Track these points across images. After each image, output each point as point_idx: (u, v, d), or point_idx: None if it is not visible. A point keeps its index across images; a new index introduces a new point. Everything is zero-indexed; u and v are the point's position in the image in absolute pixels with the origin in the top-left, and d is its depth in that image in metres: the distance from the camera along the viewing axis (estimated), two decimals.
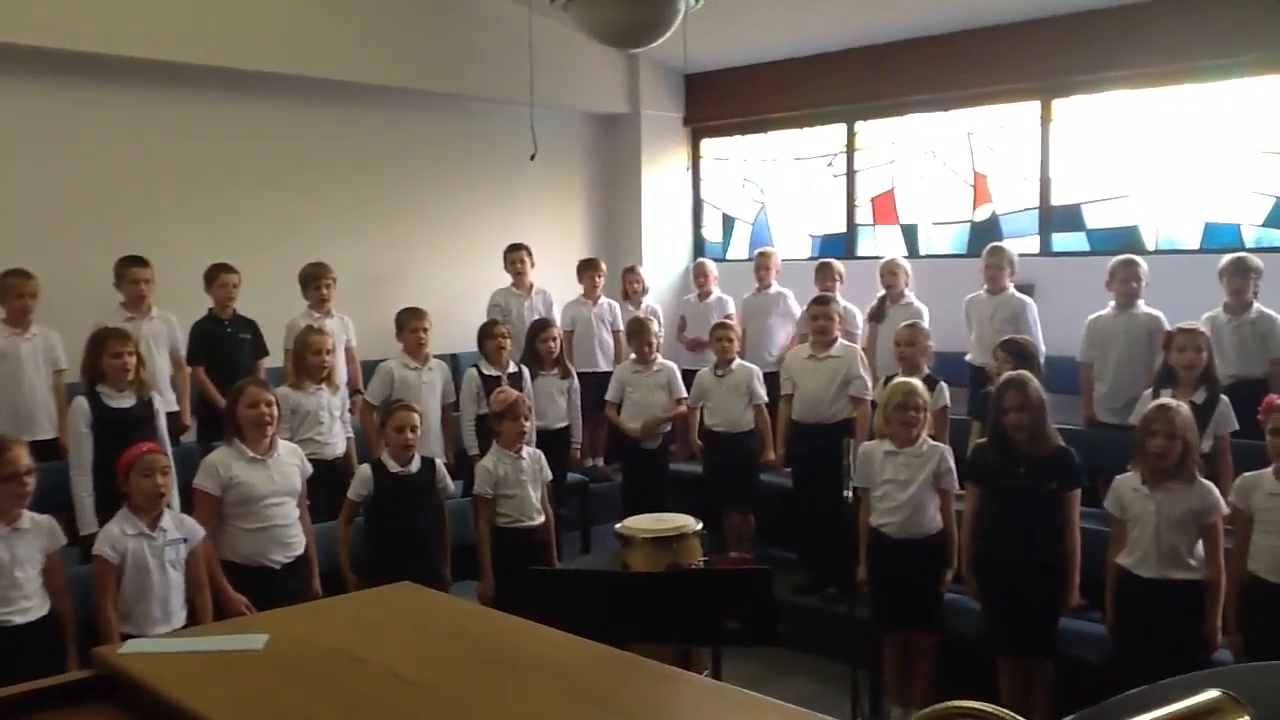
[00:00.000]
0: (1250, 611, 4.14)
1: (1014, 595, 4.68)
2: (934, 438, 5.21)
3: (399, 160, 8.27)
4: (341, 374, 6.58)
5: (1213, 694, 1.15)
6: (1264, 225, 6.93)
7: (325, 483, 5.51)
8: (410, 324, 6.57)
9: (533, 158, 6.76)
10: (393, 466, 5.31)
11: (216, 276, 6.48)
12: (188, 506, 4.89)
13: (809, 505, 6.30)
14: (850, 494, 4.56)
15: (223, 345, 6.44)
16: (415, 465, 5.36)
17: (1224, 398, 5.31)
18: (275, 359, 6.71)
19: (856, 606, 4.87)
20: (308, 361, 5.89)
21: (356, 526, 5.36)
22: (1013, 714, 1.11)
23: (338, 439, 5.99)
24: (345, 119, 7.96)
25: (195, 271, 6.53)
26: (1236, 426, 5.22)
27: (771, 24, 8.19)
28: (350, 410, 6.33)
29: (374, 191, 8.13)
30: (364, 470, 5.38)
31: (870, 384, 6.39)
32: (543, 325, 7.15)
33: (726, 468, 6.76)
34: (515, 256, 7.85)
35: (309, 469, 5.18)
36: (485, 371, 6.66)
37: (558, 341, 7.13)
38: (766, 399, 6.82)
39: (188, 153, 7.19)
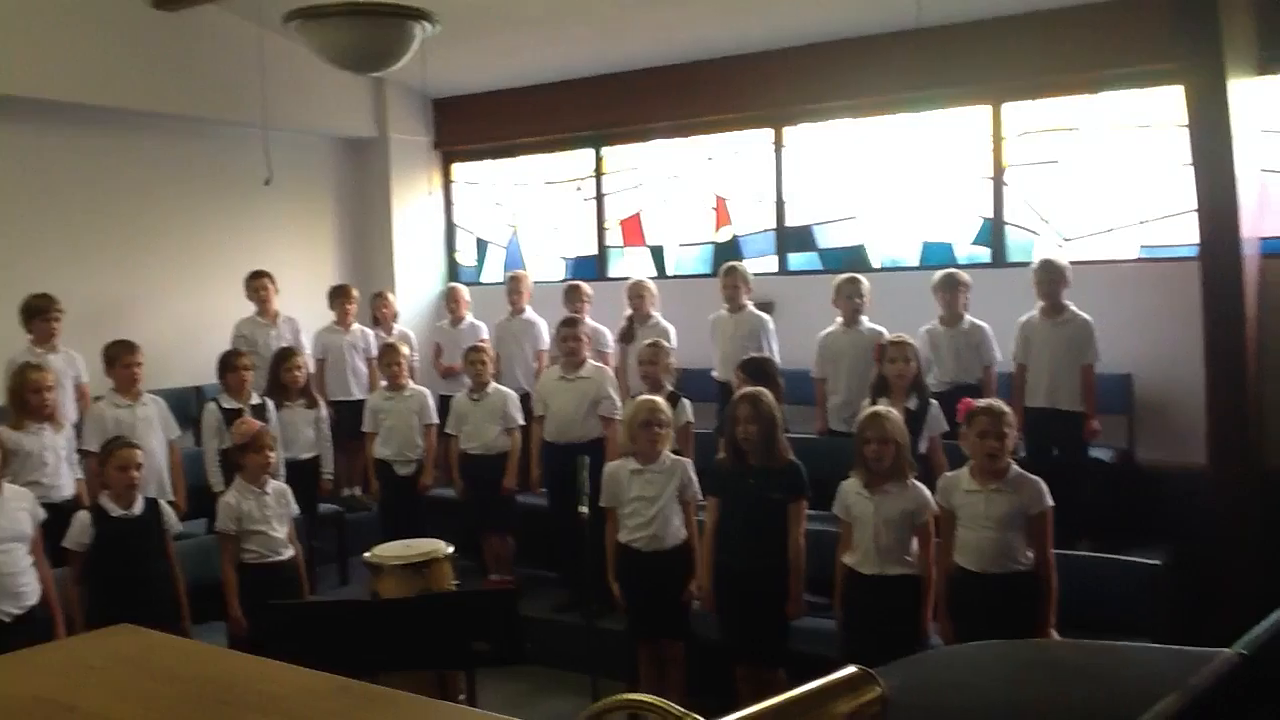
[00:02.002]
0: (957, 599, 4.47)
1: (745, 604, 4.89)
2: (678, 453, 5.39)
3: (133, 185, 7.87)
4: (70, 413, 6.22)
5: (850, 669, 1.27)
6: (974, 243, 7.54)
7: (54, 528, 5.18)
8: (121, 358, 6.23)
9: (267, 182, 6.61)
10: (114, 510, 5.06)
11: None
12: None
13: (563, 524, 6.38)
14: (585, 510, 4.66)
15: None
16: (139, 507, 5.12)
17: (934, 402, 5.76)
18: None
19: (604, 620, 4.98)
20: (28, 401, 5.57)
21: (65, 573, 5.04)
22: (669, 703, 1.20)
23: (65, 481, 5.68)
24: (72, 141, 7.49)
25: None
26: (947, 428, 5.65)
27: (514, 51, 8.30)
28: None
29: (106, 218, 7.70)
30: (82, 517, 5.08)
31: (619, 404, 6.54)
32: (287, 354, 6.98)
33: (485, 491, 6.77)
34: (258, 284, 7.62)
35: (41, 513, 4.89)
36: (226, 405, 6.44)
37: (303, 370, 6.98)
38: (522, 422, 6.89)
39: None
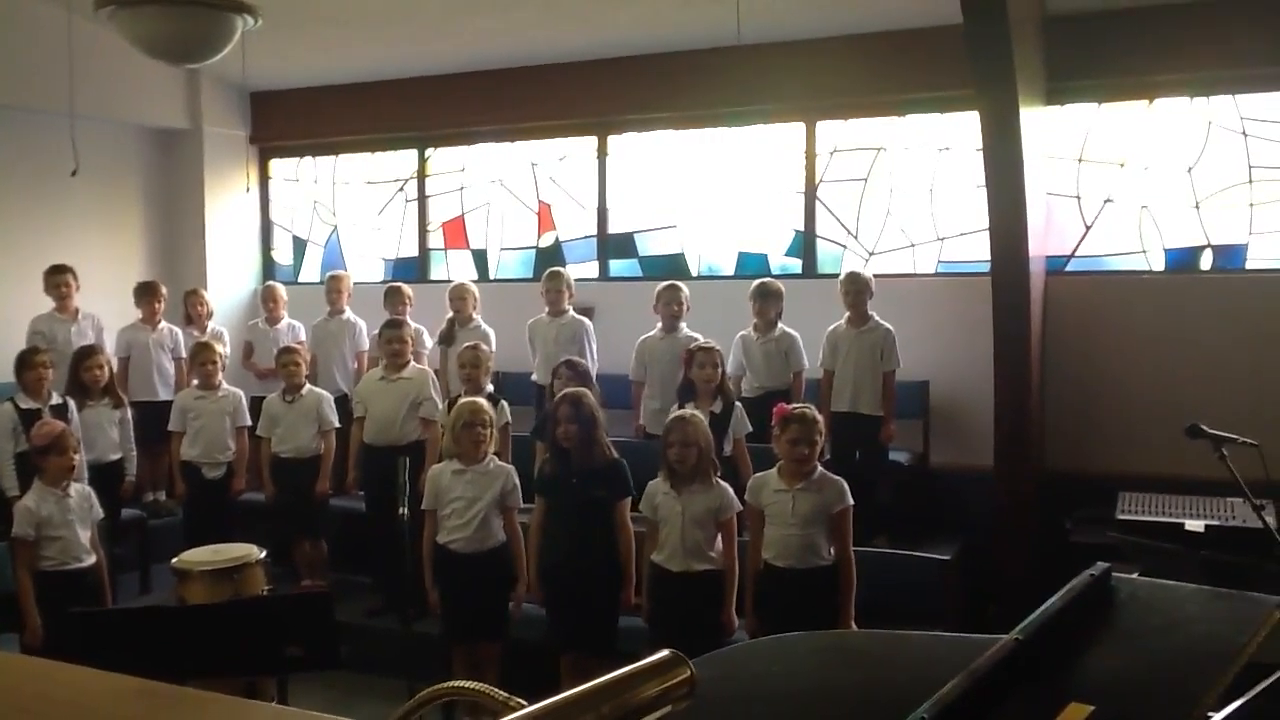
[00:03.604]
0: (763, 594, 4.68)
1: (575, 598, 4.99)
2: (498, 454, 5.44)
3: None
4: None
5: (663, 653, 1.35)
6: (787, 254, 7.84)
7: None
8: None
9: (74, 173, 6.31)
10: None
11: None
12: None
13: (380, 527, 6.32)
14: (405, 512, 4.67)
15: None
16: None
17: (738, 404, 6.01)
18: None
19: (420, 623, 4.97)
20: None
21: None
22: (492, 689, 1.25)
23: None
24: None
25: None
26: (751, 429, 5.91)
27: (337, 46, 8.16)
28: None
29: None
30: None
31: (440, 405, 6.53)
32: (88, 352, 6.69)
33: (297, 495, 6.65)
34: (59, 280, 7.26)
35: None
36: (23, 405, 6.12)
37: (104, 369, 6.69)
38: (338, 424, 6.79)
39: None
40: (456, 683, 1.29)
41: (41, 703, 2.23)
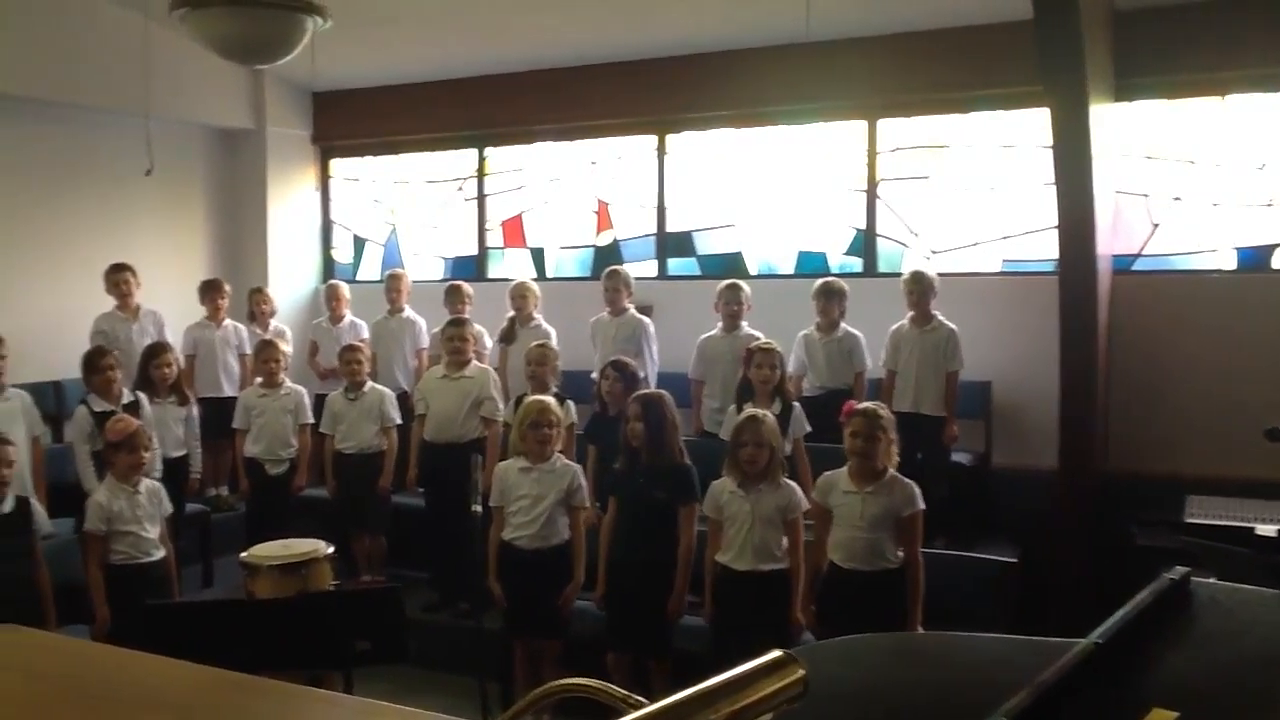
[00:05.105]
0: (828, 594, 4.65)
1: (630, 597, 4.98)
2: (563, 453, 5.45)
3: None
4: None
5: (775, 653, 1.34)
6: (847, 253, 7.79)
7: None
8: None
9: (149, 172, 6.42)
10: None
11: None
12: None
13: (440, 524, 6.37)
14: (479, 509, 4.69)
15: None
16: (8, 505, 4.95)
17: (797, 405, 5.96)
18: None
19: (487, 620, 4.99)
20: None
21: None
22: (611, 686, 1.24)
23: None
24: None
25: None
26: (809, 430, 5.88)
27: (398, 46, 8.24)
28: None
29: None
30: None
31: (501, 405, 6.55)
32: (157, 350, 6.78)
33: (358, 491, 6.70)
34: (119, 278, 7.38)
35: None
36: (96, 408, 6.19)
37: (173, 367, 6.79)
38: (399, 421, 6.84)
39: None
40: (572, 680, 1.26)
41: (137, 691, 2.26)
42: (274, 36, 4.89)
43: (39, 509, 5.21)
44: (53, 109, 7.68)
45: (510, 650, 5.31)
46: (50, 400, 7.35)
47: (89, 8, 7.55)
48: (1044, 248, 6.94)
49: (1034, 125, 6.90)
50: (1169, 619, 2.07)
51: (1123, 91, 6.54)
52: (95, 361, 6.35)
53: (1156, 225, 6.85)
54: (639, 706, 1.14)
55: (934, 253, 7.47)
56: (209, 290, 7.83)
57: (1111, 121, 6.38)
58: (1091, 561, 5.84)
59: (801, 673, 1.25)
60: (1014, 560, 5.46)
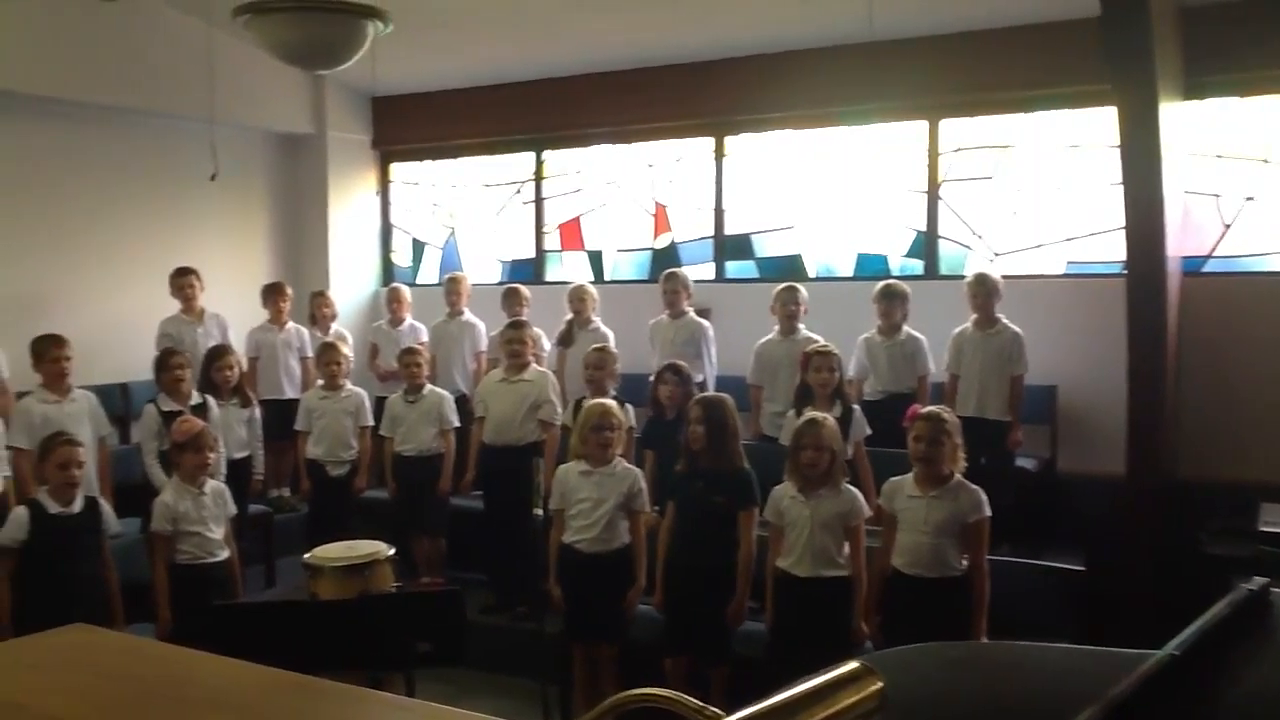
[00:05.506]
0: (891, 600, 4.58)
1: (689, 602, 4.95)
2: (623, 457, 5.43)
3: (62, 176, 7.69)
4: None
5: (852, 664, 1.31)
6: (908, 256, 7.70)
7: None
8: (49, 353, 6.01)
9: (214, 177, 6.50)
10: (53, 507, 4.95)
11: None
12: None
13: (498, 527, 6.38)
14: (541, 512, 4.68)
15: None
16: (78, 505, 5.02)
17: (857, 408, 5.89)
18: None
19: (546, 623, 4.99)
20: None
21: None
22: (685, 697, 1.22)
23: None
24: (5, 130, 7.31)
25: None
26: (869, 433, 5.81)
27: (456, 51, 8.29)
28: None
29: (32, 209, 7.51)
30: (19, 513, 4.95)
31: (560, 409, 6.55)
32: (219, 353, 6.87)
33: (417, 493, 6.74)
34: (184, 281, 7.49)
35: None
36: (165, 408, 6.28)
37: (235, 369, 6.87)
38: (458, 424, 6.86)
39: None
40: (647, 690, 1.24)
41: (204, 691, 2.28)
42: (336, 41, 4.92)
43: (107, 509, 5.28)
44: (118, 115, 7.84)
45: (569, 653, 5.30)
46: (117, 402, 7.47)
47: (153, 15, 7.69)
48: (1109, 249, 6.81)
49: (1100, 124, 6.76)
50: (1247, 631, 2.01)
51: (1192, 89, 6.39)
52: (166, 361, 6.44)
53: (1228, 226, 6.69)
54: (716, 719, 1.12)
55: (997, 255, 7.36)
56: (271, 293, 7.93)
57: (1181, 120, 6.24)
58: (1159, 570, 5.71)
59: (879, 685, 1.23)
60: (1080, 568, 5.35)
